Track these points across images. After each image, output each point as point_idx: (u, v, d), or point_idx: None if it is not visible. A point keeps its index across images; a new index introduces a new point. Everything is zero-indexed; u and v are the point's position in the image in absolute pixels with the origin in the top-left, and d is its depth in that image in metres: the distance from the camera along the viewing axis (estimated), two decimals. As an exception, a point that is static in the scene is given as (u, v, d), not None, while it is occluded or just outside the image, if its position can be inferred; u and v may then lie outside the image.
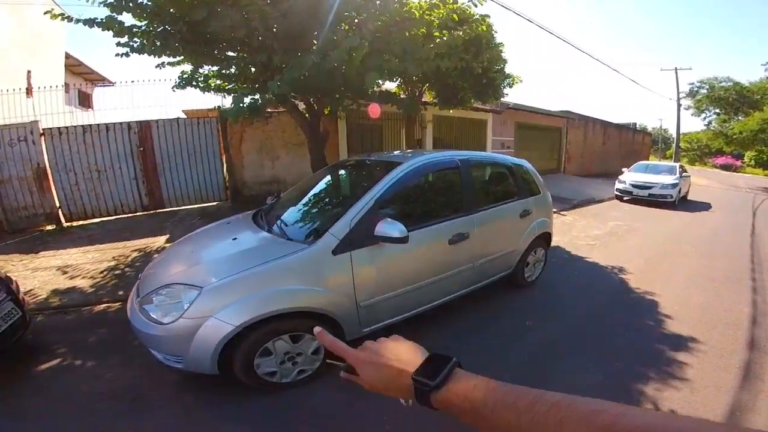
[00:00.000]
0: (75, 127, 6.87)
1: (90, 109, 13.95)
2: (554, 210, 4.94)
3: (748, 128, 18.72)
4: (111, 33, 4.13)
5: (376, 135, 10.10)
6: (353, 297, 2.30)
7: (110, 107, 9.74)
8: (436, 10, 4.93)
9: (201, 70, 5.65)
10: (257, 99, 4.93)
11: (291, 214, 2.86)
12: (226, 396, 2.29)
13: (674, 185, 10.55)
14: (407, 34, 4.36)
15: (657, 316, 3.51)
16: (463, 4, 4.80)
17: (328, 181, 3.25)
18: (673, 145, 23.59)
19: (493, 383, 0.52)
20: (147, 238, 5.94)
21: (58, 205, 6.69)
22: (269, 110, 8.18)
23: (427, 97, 7.94)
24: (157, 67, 5.10)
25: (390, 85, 7.60)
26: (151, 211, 7.54)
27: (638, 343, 3.02)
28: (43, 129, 6.53)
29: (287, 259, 2.17)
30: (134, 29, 4.24)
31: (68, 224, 6.75)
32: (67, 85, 11.84)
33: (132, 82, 8.63)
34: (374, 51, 4.17)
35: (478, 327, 3.20)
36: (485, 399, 0.49)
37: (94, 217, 7.07)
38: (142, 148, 7.33)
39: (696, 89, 24.32)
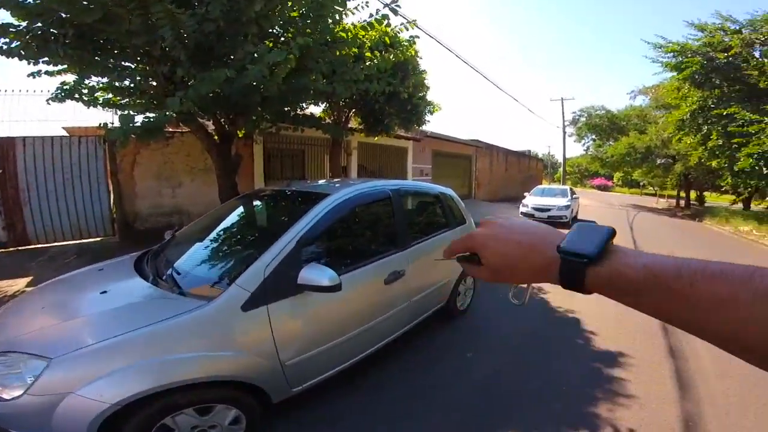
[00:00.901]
0: None
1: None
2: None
3: (618, 152, 21.96)
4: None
5: (297, 161, 9.59)
6: (275, 357, 1.85)
7: None
8: (369, 31, 4.81)
9: (87, 81, 4.75)
10: (152, 118, 4.24)
11: (186, 259, 2.27)
12: None
13: (567, 207, 11.95)
14: (338, 53, 4.13)
15: (584, 333, 3.65)
16: (395, 27, 4.76)
17: (238, 215, 2.69)
18: (560, 169, 26.96)
19: (657, 256, 0.43)
20: (2, 281, 4.69)
21: None
22: (170, 130, 7.25)
23: (353, 123, 7.78)
24: (29, 75, 4.16)
25: (314, 110, 7.31)
26: (12, 249, 6.02)
27: (576, 364, 3.07)
28: None
29: (178, 320, 1.66)
30: (10, 29, 3.43)
31: None
32: None
33: (4, 92, 7.07)
34: (301, 69, 3.85)
35: (420, 366, 2.95)
36: (669, 269, 0.40)
37: (-71, 258, 5.42)
38: (1, 171, 5.88)
39: (577, 117, 28.12)
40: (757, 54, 11.41)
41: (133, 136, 3.65)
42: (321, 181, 3.16)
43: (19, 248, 6.07)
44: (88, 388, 1.47)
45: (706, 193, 25.86)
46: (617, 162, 23.20)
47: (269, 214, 2.82)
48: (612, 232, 0.47)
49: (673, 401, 2.54)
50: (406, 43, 5.08)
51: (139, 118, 4.02)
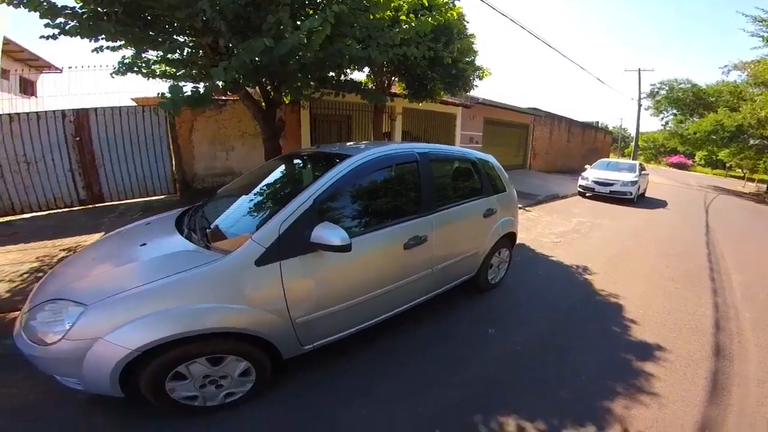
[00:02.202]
0: (0, 115, 6.07)
1: (33, 97, 12.89)
2: (519, 206, 4.77)
3: (702, 129, 19.59)
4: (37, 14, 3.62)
5: (344, 126, 9.67)
6: (286, 314, 1.94)
7: (56, 94, 8.85)
8: None
9: (144, 55, 5.09)
10: (198, 88, 4.45)
11: (216, 216, 2.41)
12: (140, 417, 1.97)
13: (634, 183, 10.86)
14: (372, 17, 3.99)
15: (622, 321, 3.37)
16: None
17: (270, 175, 2.77)
18: (632, 144, 24.58)
19: None
20: (80, 236, 5.33)
21: (-24, 199, 5.89)
22: (223, 98, 7.60)
23: (396, 89, 7.61)
24: (93, 51, 4.53)
25: (358, 75, 7.23)
26: (89, 206, 6.85)
27: (604, 353, 2.85)
28: (-37, 117, 5.71)
29: (196, 272, 1.77)
30: (65, 10, 3.72)
31: (-9, 220, 5.98)
32: (6, 72, 10.72)
33: (80, 67, 7.82)
34: (335, 35, 3.80)
35: (439, 336, 2.94)
36: None
37: (24, 213, 6.32)
38: (78, 138, 6.61)
39: (656, 90, 25.23)
40: None
41: (184, 105, 3.86)
42: (351, 144, 3.14)
43: (96, 205, 6.89)
44: (114, 334, 1.62)
45: (807, 181, 22.36)
46: (700, 140, 20.64)
47: (295, 174, 2.88)
48: None
49: (697, 404, 2.31)
50: (445, 6, 4.75)
51: (187, 89, 4.27)
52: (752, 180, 26.93)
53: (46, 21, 3.78)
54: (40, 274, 3.94)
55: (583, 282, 4.30)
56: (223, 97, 7.54)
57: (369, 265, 2.33)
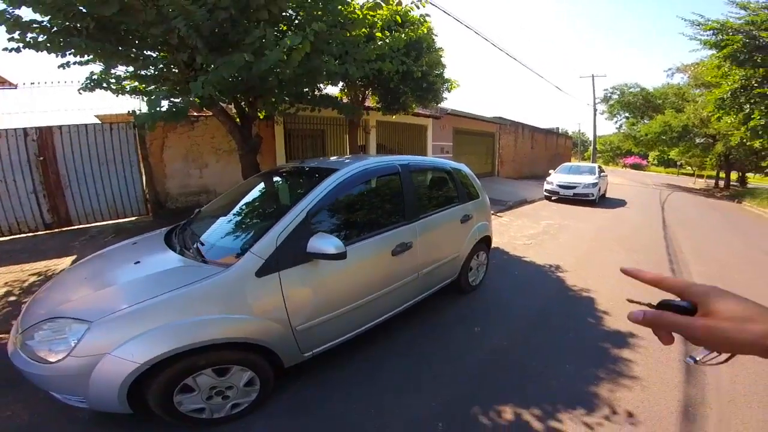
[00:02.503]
0: (-48, 134, 5.75)
1: (-18, 115, 12.15)
2: (491, 212, 5.02)
3: (653, 131, 21.02)
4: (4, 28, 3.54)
5: (318, 141, 9.75)
6: (287, 322, 2.02)
7: (11, 111, 8.46)
8: (378, 11, 4.78)
9: (113, 71, 5.01)
10: (176, 102, 4.44)
11: (208, 232, 2.46)
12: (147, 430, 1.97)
13: (595, 185, 11.53)
14: (348, 34, 4.16)
15: (595, 313, 3.63)
16: (405, 5, 4.70)
17: (256, 191, 2.86)
18: (591, 147, 26.01)
19: None
20: (49, 260, 5.12)
21: (-70, 226, 5.53)
22: (195, 114, 7.52)
23: (370, 102, 7.81)
24: (60, 67, 4.44)
25: (333, 90, 7.37)
26: (56, 230, 6.54)
27: (583, 343, 3.08)
28: None
29: (200, 285, 1.83)
30: (33, 25, 3.65)
31: (-55, 248, 5.60)
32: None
33: (37, 83, 7.53)
34: (313, 51, 3.92)
35: (428, 336, 3.08)
36: None
37: (-17, 239, 5.97)
38: (42, 158, 6.33)
39: (609, 95, 27.02)
40: None
41: (160, 120, 3.86)
42: (334, 158, 3.26)
43: (63, 229, 6.58)
44: (122, 348, 1.65)
45: (749, 175, 24.33)
46: (652, 140, 22.19)
47: (283, 189, 2.96)
48: None
49: (676, 385, 2.52)
50: (417, 22, 5.00)
51: (164, 104, 4.25)
52: (701, 176, 28.99)
53: (10, 36, 3.71)
54: (12, 299, 3.80)
55: (556, 279, 4.57)
56: (195, 113, 7.46)
57: (361, 272, 2.44)
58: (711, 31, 12.32)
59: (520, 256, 5.54)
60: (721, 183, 22.60)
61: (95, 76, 5.07)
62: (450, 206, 3.46)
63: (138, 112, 5.90)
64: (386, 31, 4.88)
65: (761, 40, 10.90)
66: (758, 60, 11.39)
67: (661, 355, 2.87)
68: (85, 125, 6.73)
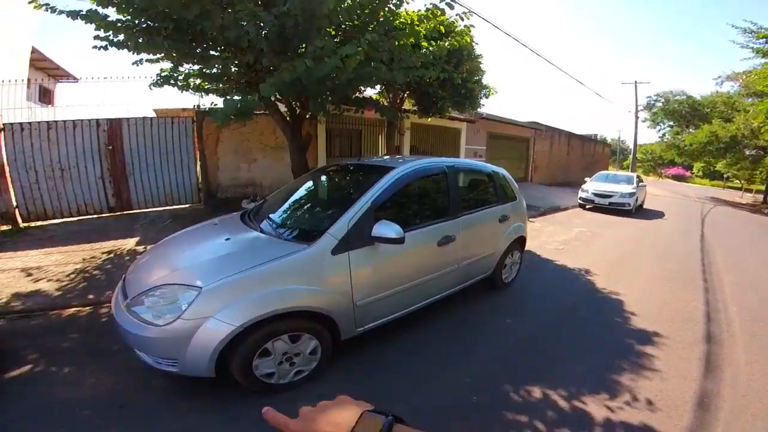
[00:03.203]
0: (39, 122, 6.47)
1: (50, 106, 13.30)
2: (526, 216, 5.21)
3: (698, 140, 20.11)
4: (93, 26, 4.02)
5: (355, 140, 10.18)
6: (350, 296, 2.36)
7: (74, 104, 9.29)
8: (425, 23, 5.09)
9: (181, 69, 5.54)
10: (245, 101, 4.89)
11: (285, 216, 2.87)
12: (220, 399, 2.27)
13: (632, 194, 11.27)
14: (397, 43, 4.49)
15: (623, 313, 3.79)
16: (450, 17, 4.98)
17: (319, 184, 3.28)
18: (630, 156, 25.18)
19: None
20: (116, 240, 5.69)
21: (15, 204, 6.27)
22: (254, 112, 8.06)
23: (406, 105, 8.12)
24: (134, 63, 4.96)
25: (370, 92, 7.72)
26: (118, 213, 7.21)
27: (609, 338, 3.27)
28: (3, 124, 6.13)
29: (287, 259, 2.19)
30: (118, 24, 4.12)
31: (25, 225, 6.34)
32: (29, 81, 11.19)
33: (97, 78, 8.27)
34: (366, 59, 4.26)
35: (463, 326, 3.35)
36: None
37: (55, 218, 6.67)
38: (110, 147, 7.01)
39: (653, 102, 26.01)
40: None
41: (232, 117, 4.30)
42: (386, 157, 3.61)
43: (124, 212, 7.25)
44: (223, 312, 1.94)
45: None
46: (696, 151, 21.13)
47: (345, 183, 3.36)
48: (391, 422, 0.45)
49: (694, 379, 2.68)
50: (462, 32, 5.26)
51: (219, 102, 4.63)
52: (749, 191, 27.44)
53: (95, 33, 4.13)
54: (86, 275, 4.29)
55: (586, 282, 4.73)
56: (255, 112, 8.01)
57: (412, 258, 2.77)
58: (764, 39, 11.84)
59: (551, 259, 5.69)
60: (771, 198, 21.33)
61: (164, 73, 5.63)
62: (489, 206, 3.73)
63: (204, 108, 6.49)
64: (431, 41, 5.15)
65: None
66: (813, 69, 10.87)
67: (683, 353, 3.05)
68: (150, 119, 7.39)
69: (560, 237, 7.42)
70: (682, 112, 23.87)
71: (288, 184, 3.75)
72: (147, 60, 4.91)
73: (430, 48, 4.89)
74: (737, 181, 30.71)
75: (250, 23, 3.81)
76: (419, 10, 4.87)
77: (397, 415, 0.47)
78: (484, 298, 3.94)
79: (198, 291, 2.01)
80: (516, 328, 3.36)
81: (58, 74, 14.99)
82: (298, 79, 4.10)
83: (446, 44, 4.84)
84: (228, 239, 2.56)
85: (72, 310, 3.52)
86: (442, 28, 5.28)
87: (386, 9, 4.26)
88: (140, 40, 4.19)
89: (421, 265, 2.86)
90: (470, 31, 5.48)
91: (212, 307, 1.98)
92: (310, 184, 3.33)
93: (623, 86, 25.13)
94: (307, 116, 6.51)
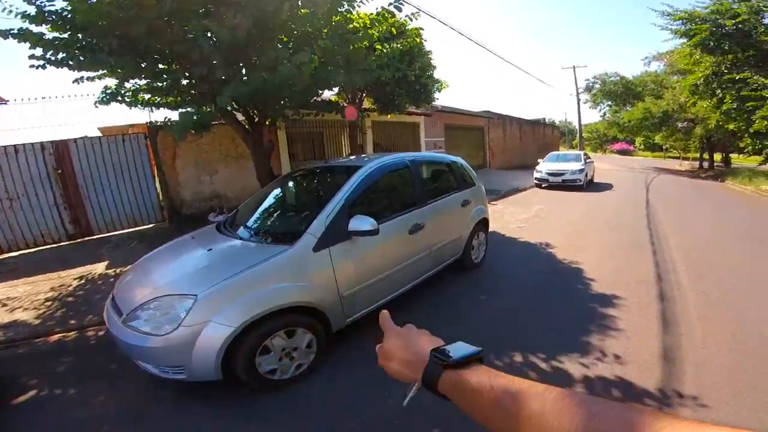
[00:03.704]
0: (-26, 149, 6.06)
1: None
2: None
3: (635, 117, 21.96)
4: (27, 45, 3.84)
5: (317, 143, 10.22)
6: (335, 289, 2.53)
7: (7, 128, 8.68)
8: (377, 25, 5.27)
9: (127, 84, 5.38)
10: (194, 113, 4.84)
11: (262, 222, 2.99)
12: (231, 399, 2.36)
13: (582, 170, 12.14)
14: (351, 47, 4.63)
15: (584, 280, 4.19)
16: (400, 19, 5.17)
17: (290, 188, 3.42)
18: (577, 136, 26.79)
19: (510, 378, 0.48)
20: (84, 267, 5.49)
21: (-38, 241, 5.88)
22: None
23: (366, 104, 8.29)
24: (74, 81, 4.77)
25: (329, 94, 7.82)
26: (79, 240, 6.89)
27: (575, 304, 3.62)
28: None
29: (273, 260, 2.32)
30: (56, 42, 3.97)
31: (-23, 261, 5.96)
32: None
33: (32, 99, 7.77)
34: (321, 65, 4.37)
35: (442, 304, 3.61)
36: (500, 383, 0.47)
37: (11, 251, 6.31)
38: (60, 171, 6.66)
39: (591, 85, 28.15)
40: (766, 21, 11.33)
41: (190, 130, 4.28)
42: (353, 157, 3.79)
43: (86, 238, 6.91)
44: (221, 315, 2.06)
45: (732, 155, 25.19)
46: (635, 127, 23.05)
47: (316, 184, 3.52)
48: (478, 353, 0.55)
49: (656, 335, 2.99)
50: (413, 33, 5.51)
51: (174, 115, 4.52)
52: (687, 159, 29.89)
53: (31, 53, 3.94)
54: (61, 301, 4.18)
55: (548, 255, 5.15)
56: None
57: (386, 247, 2.98)
58: (680, 21, 12.97)
59: (515, 238, 6.11)
60: (706, 164, 23.41)
61: (110, 90, 5.44)
62: (451, 193, 4.01)
63: (157, 123, 6.32)
64: (385, 43, 5.35)
65: (726, 29, 11.56)
66: (726, 47, 12.07)
67: (641, 312, 3.39)
68: (99, 138, 7.11)
69: (521, 216, 7.90)
70: (618, 92, 25.97)
71: (258, 192, 3.84)
72: (88, 78, 4.73)
73: (384, 50, 5.09)
74: (675, 151, 33.40)
75: (202, 37, 3.81)
76: (371, 14, 5.03)
77: (452, 362, 0.54)
78: (456, 279, 4.22)
79: (194, 298, 2.10)
80: (490, 303, 3.66)
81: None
82: (254, 89, 4.16)
83: (399, 45, 5.05)
84: (210, 249, 2.65)
85: (57, 336, 3.47)
86: (393, 30, 5.49)
87: (338, 15, 4.40)
88: (82, 58, 4.06)
89: (396, 253, 3.07)
90: (420, 33, 5.72)
91: (210, 312, 2.08)
92: (280, 189, 3.46)
93: (563, 71, 26.59)
94: (267, 123, 6.54)
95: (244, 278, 2.22)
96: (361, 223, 2.49)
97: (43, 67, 4.20)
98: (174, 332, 2.05)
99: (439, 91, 7.78)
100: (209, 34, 3.95)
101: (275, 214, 3.09)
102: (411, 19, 5.02)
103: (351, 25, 4.81)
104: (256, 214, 3.19)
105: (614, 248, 5.37)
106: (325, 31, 4.37)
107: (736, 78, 11.46)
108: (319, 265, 2.48)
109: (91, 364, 2.91)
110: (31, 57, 4.07)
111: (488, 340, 2.97)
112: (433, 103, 8.72)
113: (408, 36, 5.54)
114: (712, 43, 12.34)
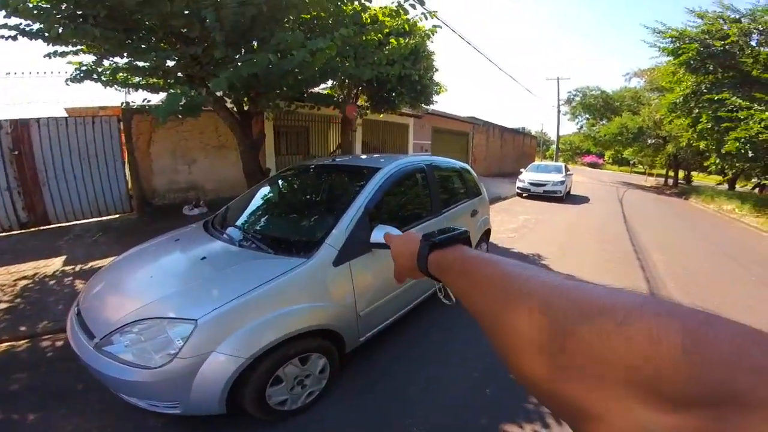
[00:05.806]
0: None
1: None
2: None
3: (611, 132, 22.87)
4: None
5: (302, 137, 9.79)
6: (354, 307, 2.22)
7: None
8: (391, 19, 4.97)
9: (105, 62, 4.84)
10: (182, 95, 4.40)
11: (267, 226, 2.59)
12: (234, 429, 2.03)
13: (562, 182, 12.41)
14: (364, 38, 4.33)
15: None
16: (414, 16, 4.91)
17: (295, 187, 3.03)
18: (553, 147, 27.58)
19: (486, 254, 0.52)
20: (36, 261, 4.83)
21: None
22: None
23: (359, 101, 7.99)
24: (46, 56, 4.24)
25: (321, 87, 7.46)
26: (32, 229, 6.18)
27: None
28: None
29: (288, 276, 1.96)
30: (37, 11, 3.45)
31: None
32: None
33: None
34: (336, 54, 4.06)
35: (445, 316, 3.39)
36: (482, 259, 0.49)
37: (-48, 240, 5.56)
38: (16, 152, 5.96)
39: (572, 97, 28.94)
40: (753, 43, 11.71)
41: (177, 114, 3.84)
42: (363, 156, 3.47)
43: (41, 228, 6.20)
44: (227, 344, 1.67)
45: (693, 174, 26.63)
46: (609, 141, 23.94)
47: (328, 185, 3.11)
48: (462, 233, 0.59)
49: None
50: (427, 32, 5.26)
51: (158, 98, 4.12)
52: (652, 175, 31.41)
53: (3, 22, 3.51)
54: (9, 305, 3.55)
55: (542, 266, 5.05)
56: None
57: (405, 261, 2.67)
58: (670, 39, 13.30)
59: (508, 248, 6.01)
60: (670, 181, 24.62)
61: (85, 67, 4.89)
62: (463, 201, 3.78)
63: (135, 105, 5.77)
64: (400, 38, 5.09)
65: (714, 49, 11.97)
66: (710, 67, 12.54)
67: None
68: (65, 118, 6.40)
69: (510, 225, 7.86)
70: (597, 106, 26.86)
71: (252, 188, 3.45)
72: (61, 53, 4.20)
73: (400, 44, 4.83)
74: (641, 166, 35.05)
75: (208, 10, 3.37)
76: (385, 6, 4.75)
77: (436, 241, 0.58)
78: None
79: (193, 324, 1.69)
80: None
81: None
82: (254, 74, 3.79)
83: (411, 42, 4.80)
84: (205, 258, 2.24)
85: (4, 346, 2.92)
86: (406, 26, 5.22)
87: (356, 2, 4.09)
88: (62, 30, 3.56)
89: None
90: (436, 31, 5.45)
91: (212, 340, 1.69)
92: (281, 188, 3.06)
93: (548, 82, 27.24)
94: (257, 113, 6.12)
95: (254, 298, 1.82)
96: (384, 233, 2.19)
97: (14, 38, 3.70)
98: (169, 364, 1.65)
99: (438, 94, 7.58)
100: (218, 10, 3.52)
101: (281, 218, 2.68)
102: (426, 17, 4.77)
103: (365, 16, 4.50)
104: (255, 216, 2.80)
105: (605, 262, 5.45)
106: (343, 18, 4.03)
107: (715, 98, 11.78)
108: (339, 282, 2.15)
109: (51, 384, 2.42)
110: (2, 27, 3.57)
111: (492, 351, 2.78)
112: (430, 106, 8.53)
113: (417, 35, 5.29)
114: (696, 63, 12.69)
